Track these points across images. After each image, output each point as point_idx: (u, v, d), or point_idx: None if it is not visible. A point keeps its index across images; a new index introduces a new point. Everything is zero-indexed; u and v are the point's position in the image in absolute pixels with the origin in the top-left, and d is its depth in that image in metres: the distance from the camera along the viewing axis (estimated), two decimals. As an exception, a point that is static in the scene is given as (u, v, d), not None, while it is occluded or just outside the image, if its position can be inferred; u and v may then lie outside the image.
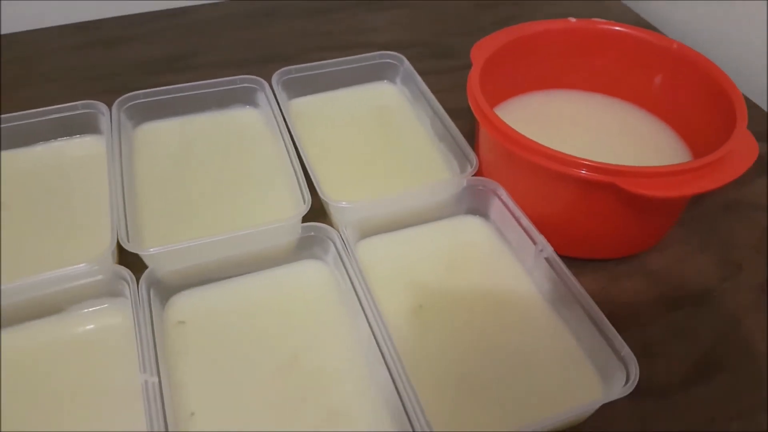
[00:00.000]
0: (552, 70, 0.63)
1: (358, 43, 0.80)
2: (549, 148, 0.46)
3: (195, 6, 0.86)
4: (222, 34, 0.81)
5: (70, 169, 0.58)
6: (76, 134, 0.61)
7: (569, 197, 0.49)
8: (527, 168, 0.49)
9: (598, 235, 0.51)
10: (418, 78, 0.66)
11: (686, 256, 0.56)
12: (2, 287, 0.43)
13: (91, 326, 0.46)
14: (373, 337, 0.43)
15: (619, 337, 0.41)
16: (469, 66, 0.71)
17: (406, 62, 0.68)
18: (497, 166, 0.53)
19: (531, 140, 0.46)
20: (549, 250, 0.47)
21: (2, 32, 0.80)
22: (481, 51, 0.56)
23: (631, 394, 0.41)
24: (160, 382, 0.39)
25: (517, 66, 0.60)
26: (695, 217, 0.59)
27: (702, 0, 0.81)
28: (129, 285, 0.44)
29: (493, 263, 0.52)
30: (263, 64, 0.65)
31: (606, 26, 0.61)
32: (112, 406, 0.42)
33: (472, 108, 0.51)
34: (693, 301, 0.52)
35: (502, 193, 0.51)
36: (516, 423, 0.40)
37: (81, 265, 0.45)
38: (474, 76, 0.53)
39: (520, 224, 0.49)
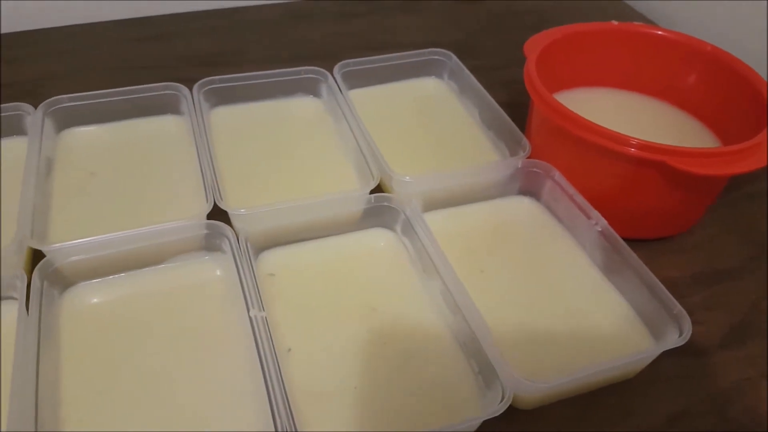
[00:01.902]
0: (593, 69, 0.68)
1: (389, 43, 0.85)
2: (603, 127, 0.51)
3: (238, 7, 0.92)
4: (265, 35, 0.87)
5: (154, 144, 0.64)
6: (157, 113, 0.66)
7: (619, 176, 0.54)
8: (580, 147, 0.54)
9: (642, 214, 0.56)
10: (467, 72, 0.72)
11: (716, 239, 0.61)
12: (113, 236, 0.48)
13: (193, 275, 0.51)
14: (447, 291, 0.48)
15: (672, 298, 0.46)
16: (497, 67, 0.77)
17: (455, 58, 0.74)
18: (549, 147, 0.58)
19: (585, 119, 0.52)
20: (603, 222, 0.52)
21: (59, 24, 0.85)
22: (534, 46, 0.62)
23: (674, 354, 0.46)
24: (266, 318, 0.43)
25: (562, 63, 0.65)
26: (722, 205, 0.64)
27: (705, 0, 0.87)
28: (230, 240, 0.49)
29: (546, 237, 0.57)
30: (308, 62, 0.70)
31: (645, 29, 0.67)
32: (216, 345, 0.46)
33: (529, 91, 0.57)
34: (726, 277, 0.57)
35: (556, 173, 0.56)
36: (578, 368, 0.44)
37: (182, 221, 0.50)
38: (531, 64, 0.58)
39: (573, 201, 0.54)
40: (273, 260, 0.53)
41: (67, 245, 0.48)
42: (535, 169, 0.58)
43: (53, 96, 0.63)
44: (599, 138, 0.51)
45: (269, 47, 0.84)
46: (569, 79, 0.68)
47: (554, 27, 0.65)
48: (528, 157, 0.59)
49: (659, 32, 0.66)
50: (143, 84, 0.65)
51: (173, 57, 0.81)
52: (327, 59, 0.71)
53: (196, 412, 0.42)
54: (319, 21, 0.91)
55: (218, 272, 0.51)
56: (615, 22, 0.67)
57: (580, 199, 0.54)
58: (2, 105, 0.62)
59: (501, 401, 0.40)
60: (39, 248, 0.48)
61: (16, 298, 0.47)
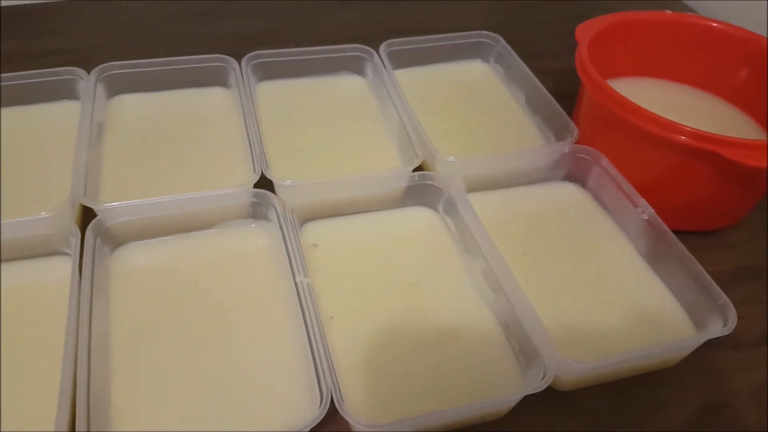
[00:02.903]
0: (643, 58, 0.67)
1: (433, 28, 0.84)
2: (656, 114, 0.50)
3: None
4: (309, 15, 0.88)
5: (202, 114, 0.64)
6: (205, 85, 0.67)
7: (669, 165, 0.53)
8: (631, 134, 0.53)
9: (689, 205, 0.56)
10: (515, 55, 0.71)
11: (759, 236, 0.60)
12: (164, 199, 0.50)
13: (240, 242, 0.52)
14: (490, 270, 0.48)
15: (718, 288, 0.46)
16: (542, 55, 0.76)
17: (503, 42, 0.74)
18: (597, 134, 0.58)
19: (639, 106, 0.51)
20: (650, 211, 0.52)
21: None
22: (586, 31, 0.61)
23: (712, 346, 0.46)
24: (311, 284, 0.44)
25: (613, 50, 0.65)
26: (764, 204, 0.63)
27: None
28: (276, 209, 0.50)
29: (590, 223, 0.56)
30: (352, 42, 0.70)
31: (699, 20, 0.66)
32: (260, 309, 0.47)
33: (580, 76, 0.56)
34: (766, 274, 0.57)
35: (604, 160, 0.56)
36: (617, 353, 0.44)
37: (231, 189, 0.51)
38: (583, 49, 0.58)
39: (620, 189, 0.54)
40: (316, 232, 0.53)
41: (118, 205, 0.49)
42: (582, 155, 0.57)
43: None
44: (652, 125, 0.50)
45: (313, 27, 0.85)
46: (619, 67, 0.67)
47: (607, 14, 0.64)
48: (575, 143, 0.59)
49: (714, 24, 0.64)
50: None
51: (217, 34, 0.82)
52: (370, 41, 0.71)
53: (241, 372, 0.43)
54: (362, 3, 0.91)
55: (264, 240, 0.52)
56: (668, 12, 0.66)
57: (628, 186, 0.54)
58: (56, 69, 0.64)
59: (542, 378, 0.40)
60: (91, 207, 0.49)
61: (67, 254, 0.48)
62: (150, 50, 0.75)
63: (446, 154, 0.56)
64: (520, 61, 0.70)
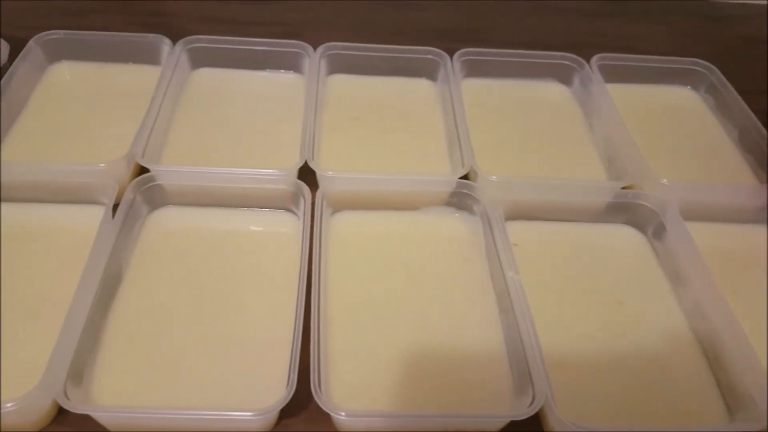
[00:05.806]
0: None
1: (633, 47, 0.82)
2: None
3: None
4: (508, 18, 0.87)
5: (407, 102, 0.67)
6: (412, 75, 0.70)
7: None
8: None
9: None
10: (731, 88, 0.68)
11: None
12: (378, 176, 0.54)
13: (442, 227, 0.54)
14: (702, 303, 0.47)
15: None
16: (752, 93, 0.71)
17: (718, 72, 0.71)
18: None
19: None
20: None
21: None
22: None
23: None
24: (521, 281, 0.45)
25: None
26: None
27: None
28: (483, 203, 0.52)
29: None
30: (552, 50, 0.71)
31: None
32: (459, 295, 0.49)
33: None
34: None
35: (831, 208, 0.52)
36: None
37: (441, 176, 0.54)
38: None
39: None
40: (517, 231, 0.54)
41: (341, 176, 0.52)
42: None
43: (308, 41, 0.68)
44: None
45: (511, 30, 0.85)
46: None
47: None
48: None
49: None
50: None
51: (419, 25, 0.83)
52: (577, 50, 0.71)
53: (448, 350, 0.45)
54: (561, 14, 0.90)
55: (465, 229, 0.54)
56: None
57: None
58: (283, 40, 0.68)
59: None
60: (320, 173, 0.53)
61: (290, 210, 0.53)
62: (355, 34, 0.77)
63: (660, 176, 0.54)
64: (737, 95, 0.67)
